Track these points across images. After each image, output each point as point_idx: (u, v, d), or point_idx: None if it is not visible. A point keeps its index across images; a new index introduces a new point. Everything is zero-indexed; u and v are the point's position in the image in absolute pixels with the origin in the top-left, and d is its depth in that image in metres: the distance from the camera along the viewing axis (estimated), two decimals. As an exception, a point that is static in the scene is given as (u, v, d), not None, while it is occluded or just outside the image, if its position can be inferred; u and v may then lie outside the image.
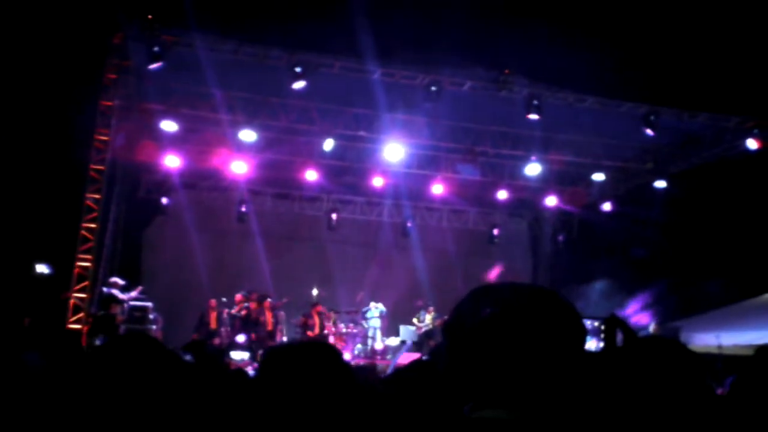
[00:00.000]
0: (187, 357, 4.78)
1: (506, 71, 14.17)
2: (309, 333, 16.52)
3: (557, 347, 1.55)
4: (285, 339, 16.34)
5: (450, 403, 2.82)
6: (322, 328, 16.81)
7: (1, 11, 12.34)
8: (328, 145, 16.02)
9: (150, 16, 12.28)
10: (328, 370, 2.21)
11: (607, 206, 19.18)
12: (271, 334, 16.29)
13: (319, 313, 16.89)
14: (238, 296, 16.44)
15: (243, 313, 16.27)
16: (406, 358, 15.28)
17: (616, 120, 15.27)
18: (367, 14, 12.42)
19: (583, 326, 1.62)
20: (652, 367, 2.41)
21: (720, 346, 14.28)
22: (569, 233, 21.22)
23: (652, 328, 15.47)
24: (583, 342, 1.63)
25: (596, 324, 13.26)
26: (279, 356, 2.35)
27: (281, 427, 2.12)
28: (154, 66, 12.55)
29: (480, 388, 1.56)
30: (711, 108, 15.14)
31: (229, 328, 16.21)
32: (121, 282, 14.85)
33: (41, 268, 15.94)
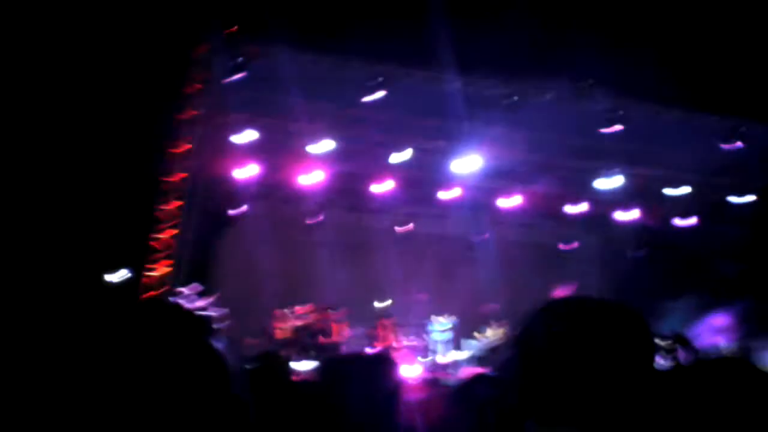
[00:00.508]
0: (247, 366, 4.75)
1: (589, 81, 13.99)
2: (375, 344, 16.50)
3: (626, 364, 1.51)
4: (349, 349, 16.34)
5: (515, 420, 2.74)
6: (389, 340, 16.78)
7: (91, 21, 12.62)
8: (404, 155, 16.00)
9: (234, 29, 12.44)
10: (380, 382, 2.19)
11: (687, 222, 18.75)
12: (336, 346, 16.30)
13: (385, 326, 16.87)
14: (300, 308, 16.49)
15: (308, 324, 16.32)
16: (468, 372, 15.19)
17: (699, 133, 14.97)
18: (447, 23, 12.38)
19: (652, 342, 1.56)
20: (714, 387, 2.30)
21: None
22: (644, 249, 20.79)
23: (724, 347, 15.07)
24: (652, 359, 1.59)
25: (668, 342, 13.02)
26: (336, 366, 2.32)
27: None
28: (236, 77, 12.71)
29: (547, 403, 1.51)
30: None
31: (293, 339, 16.29)
32: (195, 290, 15.07)
33: (120, 275, 16.25)
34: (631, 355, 1.51)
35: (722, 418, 2.26)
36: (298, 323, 16.33)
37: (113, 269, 16.17)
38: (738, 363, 2.46)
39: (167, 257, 15.33)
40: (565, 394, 1.48)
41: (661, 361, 13.44)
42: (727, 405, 2.27)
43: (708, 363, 2.56)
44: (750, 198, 16.89)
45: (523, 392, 1.55)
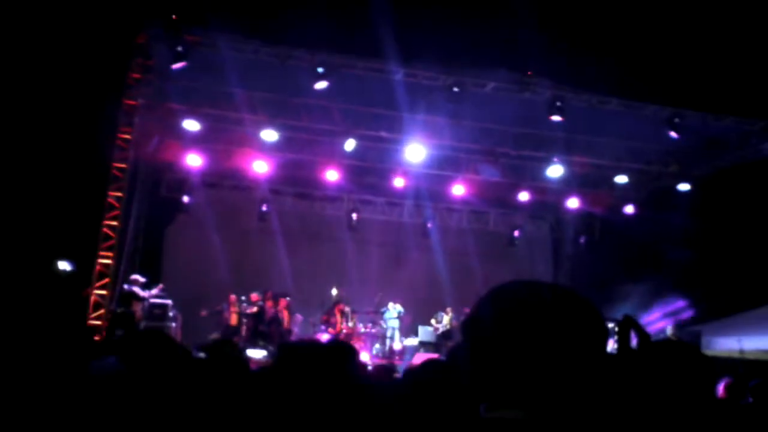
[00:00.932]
0: (201, 354, 4.79)
1: (529, 73, 14.10)
2: (331, 330, 16.54)
3: (576, 347, 1.53)
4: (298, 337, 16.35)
5: (466, 404, 2.80)
6: (343, 326, 16.84)
7: (28, 10, 12.44)
8: (350, 145, 16.01)
9: (174, 17, 12.33)
10: (341, 369, 2.21)
11: (629, 209, 19.04)
12: (287, 333, 16.32)
13: (342, 312, 16.92)
14: (254, 295, 16.47)
15: (257, 311, 16.31)
16: (420, 358, 15.31)
17: (639, 122, 15.16)
18: (389, 15, 12.39)
19: (604, 326, 1.61)
20: (662, 370, 2.44)
21: (742, 351, 14.18)
22: (591, 236, 21.08)
23: (669, 331, 15.33)
24: (605, 343, 1.60)
25: (613, 326, 13.21)
26: (292, 353, 2.35)
27: (292, 425, 2.12)
28: (177, 66, 12.60)
29: (497, 388, 1.53)
30: (736, 111, 14.97)
31: (246, 326, 16.27)
32: (141, 279, 14.97)
33: (63, 265, 16.09)
34: (579, 338, 1.53)
35: (666, 399, 2.37)
36: (251, 310, 16.30)
37: (61, 258, 16.02)
38: (682, 347, 2.58)
39: (114, 246, 15.20)
40: (514, 378, 1.51)
41: (612, 344, 13.71)
42: (671, 387, 2.38)
43: (654, 346, 2.67)
44: (687, 186, 17.14)
45: (473, 377, 1.57)
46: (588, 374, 1.54)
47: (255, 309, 16.24)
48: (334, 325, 16.70)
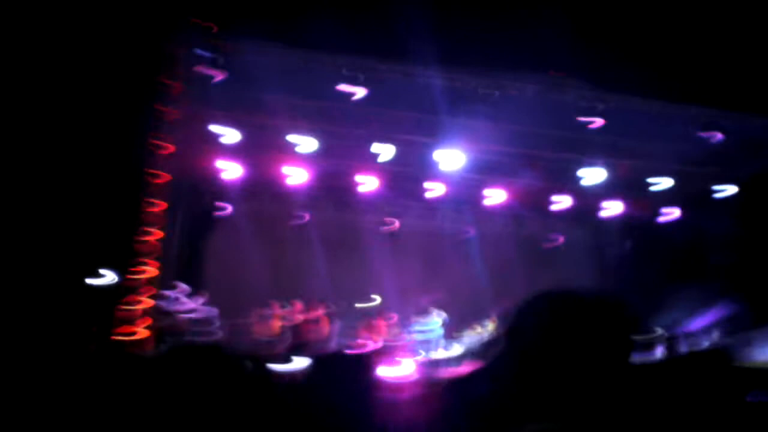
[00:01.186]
0: (249, 364, 4.78)
1: (569, 75, 14.02)
2: (374, 338, 16.53)
3: (606, 359, 1.53)
4: (337, 347, 16.35)
5: (510, 416, 2.76)
6: (380, 337, 16.80)
7: (65, 18, 12.64)
8: (388, 151, 16.00)
9: (214, 26, 12.44)
10: (361, 382, 2.20)
11: (672, 213, 18.80)
12: (326, 342, 16.32)
13: (377, 323, 16.90)
14: (298, 304, 16.49)
15: (300, 320, 16.33)
16: (465, 367, 15.21)
17: (681, 125, 15.00)
18: (427, 18, 12.40)
19: (631, 338, 1.56)
20: (693, 381, 2.42)
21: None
22: (633, 240, 20.86)
23: (714, 339, 15.11)
24: (630, 353, 1.59)
25: (660, 334, 13.04)
26: (325, 365, 2.34)
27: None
28: (217, 75, 12.70)
29: (536, 397, 1.53)
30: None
31: (288, 335, 16.32)
32: (184, 290, 15.08)
33: (106, 277, 16.26)
34: (613, 349, 1.53)
35: (696, 411, 2.33)
36: (286, 322, 16.33)
37: (99, 271, 16.20)
38: (716, 358, 2.54)
39: (154, 259, 15.34)
40: (557, 389, 1.51)
41: (649, 354, 13.54)
42: (700, 399, 2.34)
43: (689, 358, 2.64)
44: (732, 188, 16.89)
45: (516, 388, 1.58)
46: (621, 385, 1.52)
47: (299, 317, 16.27)
48: (369, 336, 16.67)
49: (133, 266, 15.14)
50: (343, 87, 13.28)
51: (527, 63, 14.03)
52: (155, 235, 15.21)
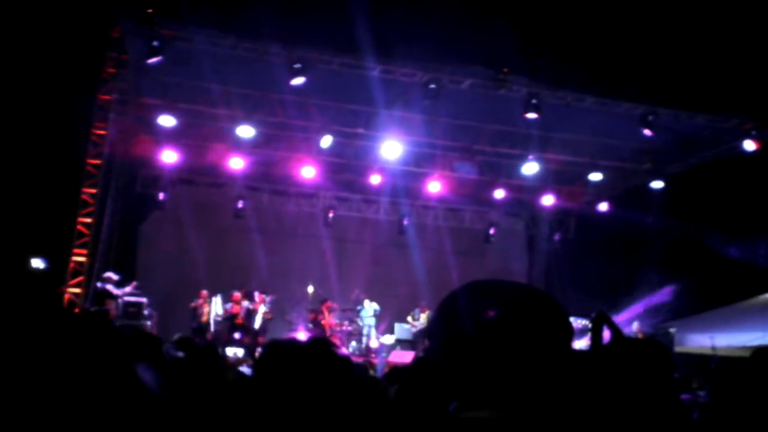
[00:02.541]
0: (178, 353, 4.75)
1: (505, 70, 14.15)
2: (325, 326, 16.56)
3: (546, 347, 1.54)
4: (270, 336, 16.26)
5: (440, 403, 2.82)
6: (331, 323, 16.87)
7: (1, 4, 12.29)
8: (326, 141, 15.96)
9: (149, 11, 12.22)
10: (330, 367, 2.20)
11: (604, 206, 19.22)
12: (261, 331, 16.26)
13: (329, 309, 16.94)
14: (236, 294, 16.37)
15: (235, 309, 16.23)
16: (398, 356, 15.32)
17: (614, 120, 15.27)
18: (366, 10, 12.38)
19: (569, 326, 1.62)
20: (629, 366, 2.48)
21: (714, 348, 14.34)
22: (566, 233, 21.27)
23: (636, 328, 15.51)
24: (570, 342, 1.62)
25: (586, 323, 13.29)
26: (281, 352, 2.34)
27: (279, 425, 2.11)
28: (152, 60, 12.48)
29: (469, 387, 1.54)
30: (709, 109, 15.14)
31: (223, 324, 16.22)
32: (115, 277, 14.84)
33: (36, 263, 15.91)
34: (549, 338, 1.54)
35: (633, 396, 2.40)
36: (232, 309, 16.22)
37: (35, 256, 15.84)
38: (648, 344, 2.62)
39: (88, 244, 15.07)
40: (487, 377, 1.51)
41: (582, 342, 13.82)
42: (637, 384, 2.41)
43: (623, 344, 2.70)
44: (660, 183, 17.31)
45: (447, 375, 1.57)
46: (556, 372, 1.54)
47: (237, 307, 16.16)
48: (321, 323, 16.69)
49: (65, 252, 14.86)
50: (284, 77, 13.17)
51: (465, 57, 14.10)
52: (88, 221, 14.95)
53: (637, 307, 16.78)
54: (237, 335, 15.88)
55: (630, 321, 16.05)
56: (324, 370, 2.16)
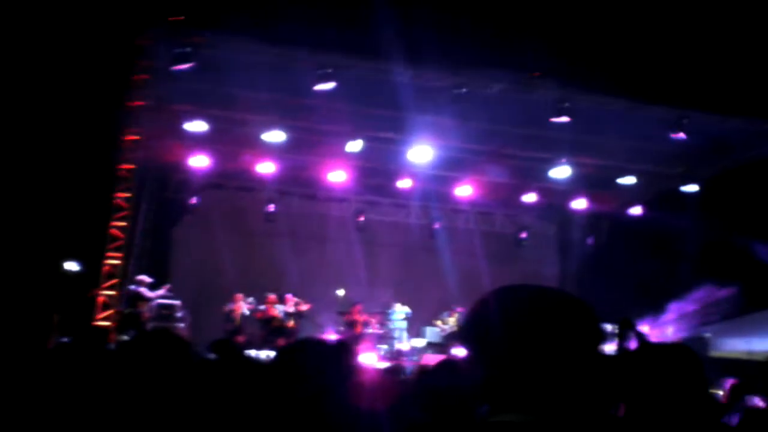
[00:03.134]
0: (211, 355, 4.81)
1: (536, 73, 14.10)
2: (356, 331, 16.63)
3: (576, 352, 1.55)
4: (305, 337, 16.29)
5: (470, 406, 2.82)
6: (361, 326, 16.93)
7: (33, 11, 12.50)
8: (356, 146, 16.02)
9: (180, 18, 12.36)
10: (337, 368, 2.22)
11: (636, 210, 19.04)
12: (293, 333, 16.35)
13: (360, 312, 17.01)
14: (271, 296, 16.47)
15: (270, 312, 16.33)
16: (428, 359, 15.31)
17: (646, 123, 15.14)
18: (394, 16, 12.40)
19: (600, 330, 1.62)
20: (658, 371, 2.47)
21: (750, 352, 14.15)
22: (598, 236, 21.10)
23: (669, 332, 15.35)
24: (599, 346, 1.62)
25: (616, 328, 13.16)
26: (294, 351, 2.38)
27: (291, 420, 2.13)
28: (182, 67, 12.62)
29: (501, 390, 1.55)
30: (742, 112, 14.95)
31: (257, 327, 16.34)
32: (148, 280, 15.03)
33: (71, 266, 16.16)
34: (579, 342, 1.56)
35: (660, 400, 2.39)
36: (258, 313, 16.32)
37: (69, 259, 16.09)
38: (679, 349, 2.61)
39: (122, 247, 15.27)
40: (518, 381, 1.52)
41: (609, 347, 13.72)
42: (665, 388, 2.41)
43: (652, 349, 2.69)
44: (694, 187, 17.12)
45: (477, 379, 1.59)
46: (586, 377, 1.55)
47: (272, 310, 16.26)
48: (354, 326, 16.76)
49: (99, 256, 15.08)
50: (314, 82, 13.26)
51: (495, 61, 14.06)
52: (121, 224, 15.15)
53: (671, 312, 16.59)
54: (271, 337, 15.97)
55: (664, 325, 15.89)
56: (334, 368, 2.19)
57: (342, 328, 16.81)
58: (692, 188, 17.16)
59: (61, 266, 15.81)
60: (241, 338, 15.74)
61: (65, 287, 15.19)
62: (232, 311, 16.16)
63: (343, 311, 17.18)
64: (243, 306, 16.26)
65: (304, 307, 16.62)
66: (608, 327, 13.79)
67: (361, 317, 16.94)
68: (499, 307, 1.60)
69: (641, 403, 2.43)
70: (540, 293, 1.64)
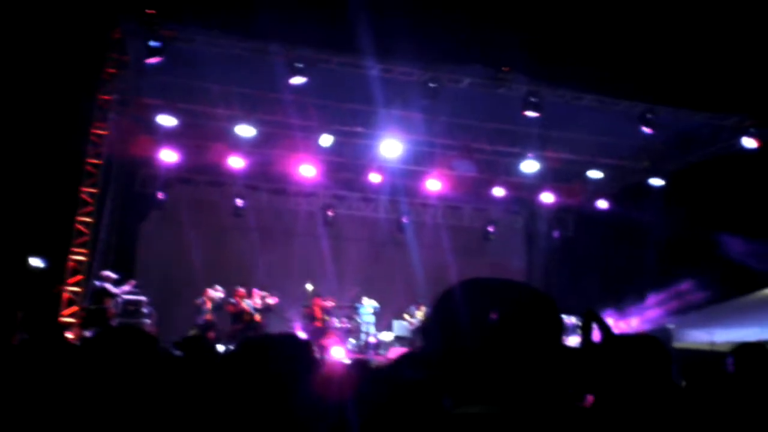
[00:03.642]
0: (178, 352, 4.77)
1: (504, 68, 14.16)
2: (317, 324, 16.57)
3: (540, 344, 1.56)
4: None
5: (435, 398, 2.84)
6: (323, 320, 16.87)
7: (2, 4, 12.27)
8: (326, 140, 15.98)
9: (150, 11, 12.21)
10: (294, 362, 2.23)
11: (603, 204, 19.24)
12: (260, 328, 16.28)
13: (320, 306, 16.95)
14: (241, 290, 16.38)
15: (239, 306, 16.24)
16: (395, 352, 15.36)
17: (613, 118, 15.30)
18: (365, 10, 12.37)
19: (561, 322, 1.64)
20: (622, 361, 2.49)
21: (713, 343, 14.38)
22: (565, 230, 21.30)
23: (633, 324, 15.56)
24: (560, 338, 1.63)
25: (581, 320, 13.28)
26: (259, 346, 2.38)
27: (251, 414, 2.14)
28: (152, 61, 12.48)
29: (466, 383, 1.55)
30: (708, 107, 15.17)
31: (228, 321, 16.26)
32: (113, 276, 14.82)
33: (35, 262, 15.91)
34: (540, 334, 1.56)
35: (626, 391, 2.42)
36: (230, 307, 16.23)
37: (34, 255, 15.84)
38: (643, 340, 2.64)
39: (87, 243, 15.07)
40: (481, 373, 1.52)
41: (574, 339, 13.86)
42: (630, 380, 2.43)
43: (616, 340, 2.72)
44: (660, 181, 17.34)
45: (440, 372, 1.58)
46: (548, 368, 1.56)
47: (242, 305, 16.17)
48: (314, 319, 16.71)
49: (63, 251, 14.86)
50: (284, 76, 13.18)
51: (465, 56, 14.11)
52: (87, 220, 14.95)
53: (636, 303, 16.82)
54: (241, 332, 15.89)
55: (628, 316, 16.11)
56: (300, 362, 2.20)
57: (304, 322, 16.76)
58: (658, 182, 17.37)
59: (26, 262, 15.55)
60: (211, 334, 15.64)
61: (29, 283, 14.95)
62: (202, 303, 16.05)
63: (306, 305, 17.14)
64: (214, 296, 16.15)
65: (271, 301, 16.54)
66: (573, 319, 13.97)
67: (319, 310, 16.88)
68: (465, 300, 1.61)
69: (607, 394, 2.46)
70: (502, 285, 1.64)
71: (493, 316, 1.53)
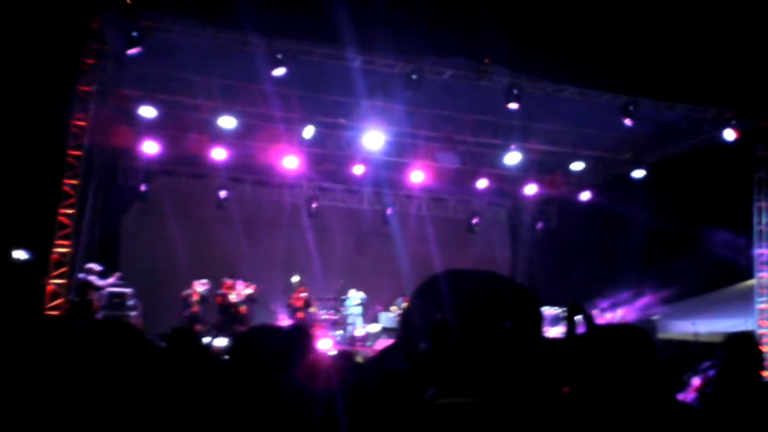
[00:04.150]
0: (163, 344, 4.79)
1: (486, 60, 14.18)
2: (299, 315, 16.59)
3: (517, 334, 1.58)
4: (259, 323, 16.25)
5: (418, 389, 2.86)
6: (307, 311, 16.88)
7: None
8: (309, 132, 15.95)
9: (129, 1, 12.15)
10: (294, 354, 2.24)
11: (586, 195, 19.31)
12: (246, 320, 16.28)
13: (302, 298, 16.96)
14: (228, 281, 16.37)
15: (227, 298, 16.24)
16: (382, 344, 15.39)
17: (595, 110, 15.35)
18: (346, 1, 12.36)
19: (540, 314, 1.65)
20: (607, 353, 2.52)
21: (696, 334, 14.48)
22: (548, 221, 21.38)
23: (617, 315, 15.64)
24: (540, 329, 1.65)
25: (565, 311, 13.33)
26: (247, 341, 2.39)
27: (249, 410, 2.15)
28: (132, 51, 12.43)
29: (450, 374, 1.57)
30: (689, 99, 15.25)
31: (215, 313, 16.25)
32: (97, 268, 14.77)
33: (19, 254, 15.85)
34: (520, 325, 1.57)
35: (610, 382, 2.44)
36: (219, 298, 16.23)
37: (18, 248, 15.78)
38: (628, 331, 2.66)
39: (70, 235, 14.98)
40: (469, 364, 1.53)
41: (558, 329, 13.93)
42: (615, 370, 2.45)
43: (600, 331, 2.74)
44: (642, 172, 17.42)
45: (423, 363, 1.60)
46: (530, 359, 1.59)
47: (229, 296, 16.17)
48: (295, 311, 16.73)
49: (47, 244, 14.78)
50: (266, 67, 13.15)
51: (448, 48, 14.14)
52: (70, 212, 14.86)
53: (619, 294, 16.89)
54: (228, 324, 15.89)
55: (613, 307, 16.18)
56: (295, 356, 2.21)
57: (288, 313, 16.78)
58: (640, 173, 17.46)
59: (10, 255, 15.49)
60: (197, 327, 15.62)
61: (13, 276, 14.90)
62: (189, 296, 16.03)
63: (289, 296, 17.16)
64: (200, 288, 16.14)
65: (250, 290, 16.53)
66: (557, 310, 14.05)
67: (300, 302, 16.89)
68: (448, 291, 1.62)
69: (590, 386, 2.47)
70: (481, 277, 1.66)
71: (475, 303, 1.55)
